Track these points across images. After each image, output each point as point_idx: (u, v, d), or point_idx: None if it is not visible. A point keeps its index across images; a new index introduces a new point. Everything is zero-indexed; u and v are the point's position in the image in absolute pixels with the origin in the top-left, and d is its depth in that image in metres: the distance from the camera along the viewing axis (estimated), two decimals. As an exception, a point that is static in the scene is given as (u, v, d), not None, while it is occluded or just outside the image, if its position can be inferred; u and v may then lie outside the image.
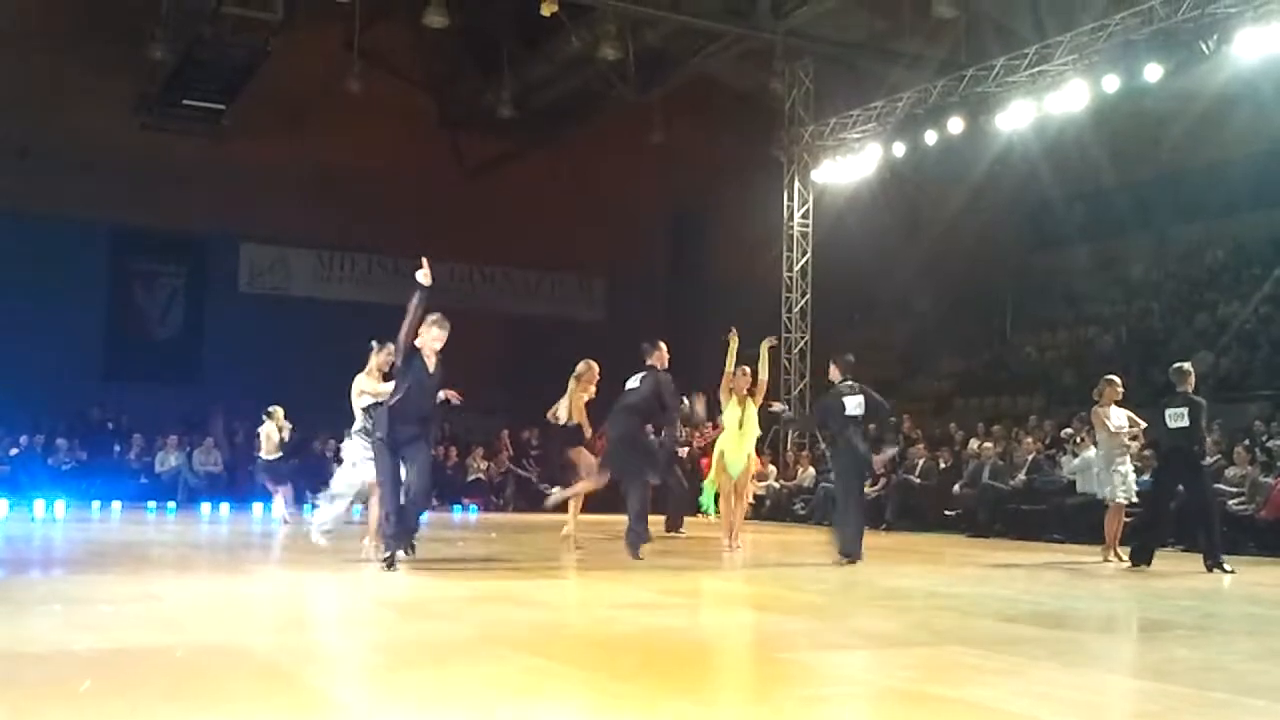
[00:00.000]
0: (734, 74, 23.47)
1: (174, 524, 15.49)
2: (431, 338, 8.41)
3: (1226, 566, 10.40)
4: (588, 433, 11.36)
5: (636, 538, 9.99)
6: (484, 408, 18.83)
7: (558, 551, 11.07)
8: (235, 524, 15.38)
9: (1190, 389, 10.84)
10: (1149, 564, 10.69)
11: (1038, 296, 24.06)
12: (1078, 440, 15.33)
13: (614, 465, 10.42)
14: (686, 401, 12.37)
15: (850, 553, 10.02)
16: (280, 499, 15.61)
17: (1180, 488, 11.19)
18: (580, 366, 11.46)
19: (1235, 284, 20.35)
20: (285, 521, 15.11)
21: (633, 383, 10.43)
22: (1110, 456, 11.32)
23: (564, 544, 11.31)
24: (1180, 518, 12.03)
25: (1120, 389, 11.43)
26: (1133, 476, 11.48)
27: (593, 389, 11.45)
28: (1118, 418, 11.31)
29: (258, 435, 15.70)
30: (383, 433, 8.40)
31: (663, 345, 10.62)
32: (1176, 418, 10.71)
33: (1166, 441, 11.07)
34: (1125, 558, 11.11)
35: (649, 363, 10.46)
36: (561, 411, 11.42)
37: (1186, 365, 11.18)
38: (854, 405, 10.23)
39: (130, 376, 23.08)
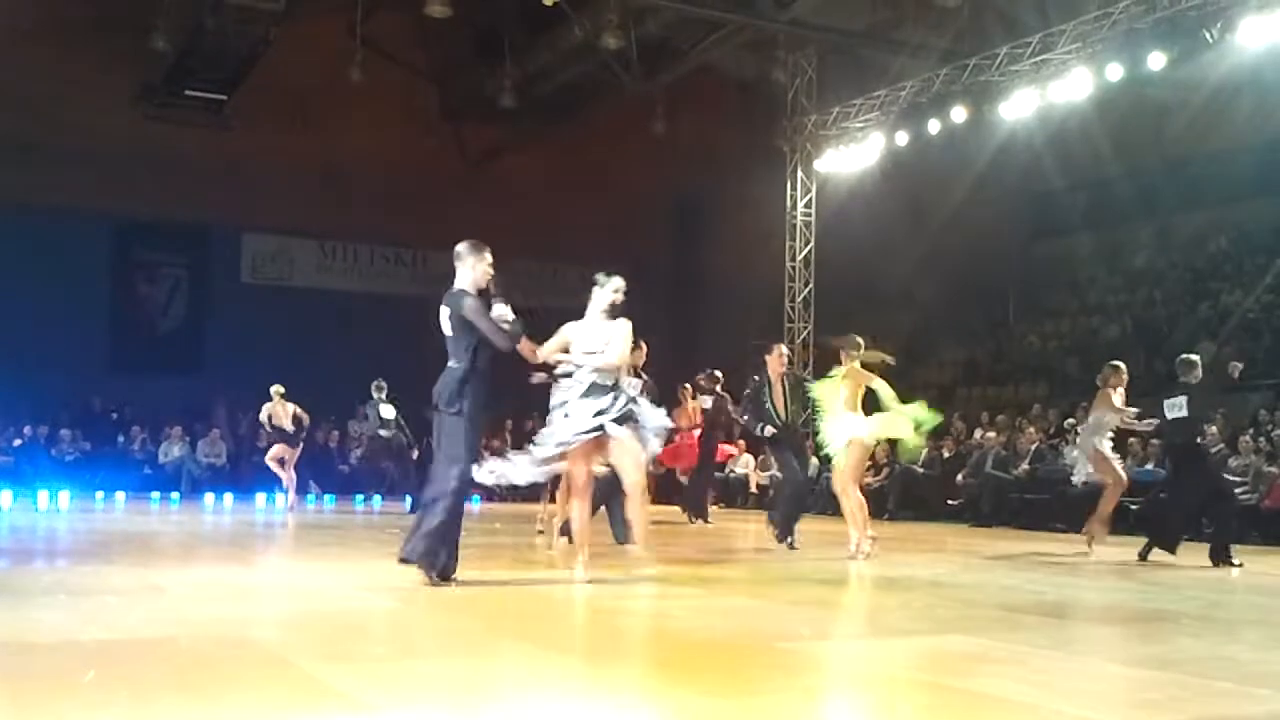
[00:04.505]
0: (736, 63, 23.42)
1: (178, 514, 15.52)
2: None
3: (1235, 560, 10.27)
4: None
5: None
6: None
7: (559, 542, 11.08)
8: (239, 514, 15.40)
9: (1194, 380, 10.75)
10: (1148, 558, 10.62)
11: (1041, 286, 24.03)
12: (1080, 430, 15.34)
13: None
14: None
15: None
16: (289, 484, 15.81)
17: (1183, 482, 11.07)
18: None
19: (1238, 273, 20.32)
20: (291, 510, 15.30)
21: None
22: (1100, 436, 11.26)
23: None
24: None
25: (1126, 376, 11.37)
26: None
27: None
28: (1119, 402, 11.27)
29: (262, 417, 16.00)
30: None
31: (643, 345, 10.76)
32: (1174, 408, 10.60)
33: (1168, 435, 11.00)
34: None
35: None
36: None
37: (1193, 356, 10.98)
38: None
39: (134, 367, 23.09)
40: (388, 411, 15.81)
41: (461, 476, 6.93)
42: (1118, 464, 11.50)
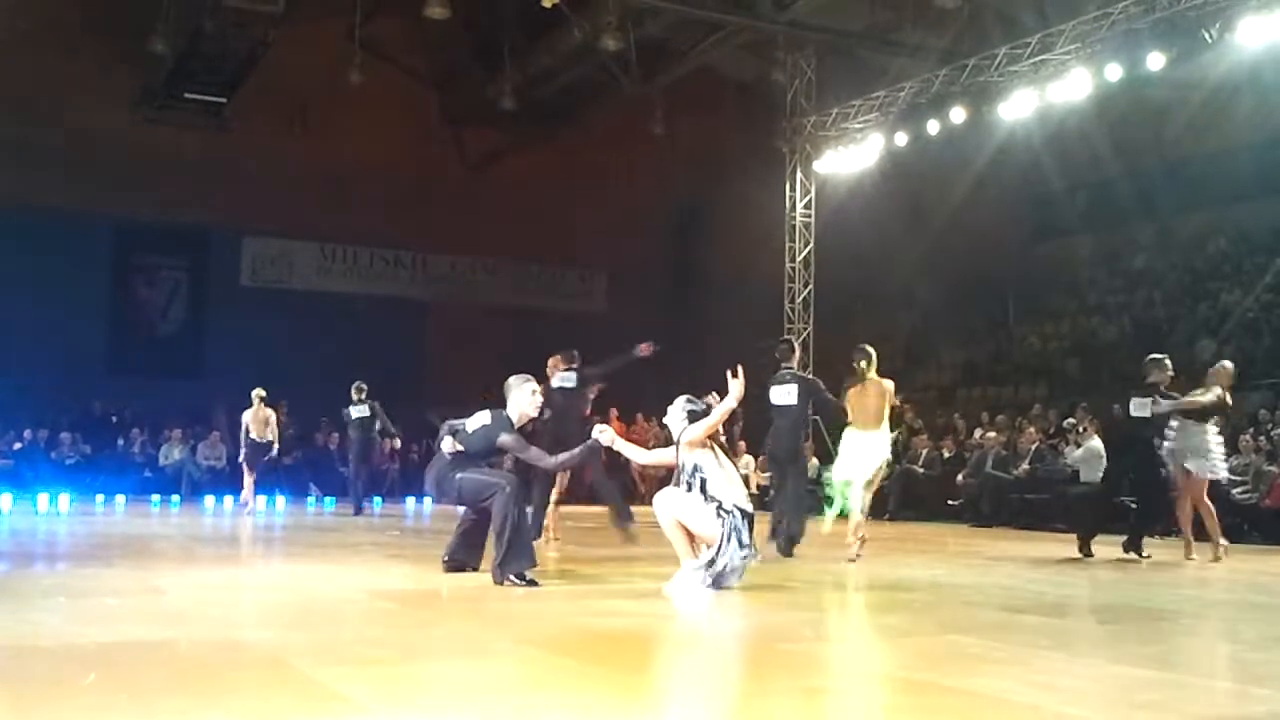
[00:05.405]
0: (736, 65, 23.46)
1: (178, 517, 15.51)
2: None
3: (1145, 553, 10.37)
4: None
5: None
6: (486, 400, 19.00)
7: (559, 544, 11.08)
8: (238, 517, 15.39)
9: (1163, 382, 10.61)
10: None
11: (1040, 286, 24.03)
12: (1080, 430, 15.34)
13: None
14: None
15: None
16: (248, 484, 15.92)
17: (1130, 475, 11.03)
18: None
19: (1238, 273, 20.33)
20: (249, 511, 15.42)
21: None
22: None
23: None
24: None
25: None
26: None
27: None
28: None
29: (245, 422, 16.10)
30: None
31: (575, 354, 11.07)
32: (1140, 407, 10.53)
33: (1127, 429, 10.80)
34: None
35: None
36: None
37: (1162, 356, 10.83)
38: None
39: (134, 370, 23.12)
40: (358, 411, 16.20)
41: (503, 502, 7.29)
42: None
